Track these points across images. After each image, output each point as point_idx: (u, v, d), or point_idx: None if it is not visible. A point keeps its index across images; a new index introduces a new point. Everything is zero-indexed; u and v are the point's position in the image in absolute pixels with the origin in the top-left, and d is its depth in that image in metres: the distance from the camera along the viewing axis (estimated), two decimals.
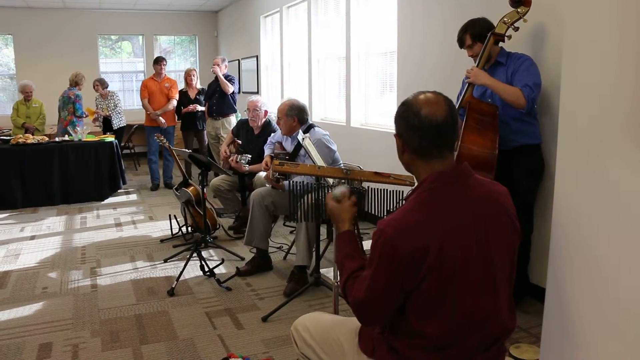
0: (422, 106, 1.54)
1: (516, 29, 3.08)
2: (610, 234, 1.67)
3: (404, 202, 1.61)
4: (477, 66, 3.13)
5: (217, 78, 7.05)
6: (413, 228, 1.47)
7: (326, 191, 3.06)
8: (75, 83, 7.45)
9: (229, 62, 9.71)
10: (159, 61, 7.33)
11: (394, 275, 1.48)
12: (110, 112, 7.93)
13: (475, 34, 3.18)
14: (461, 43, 3.28)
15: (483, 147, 2.97)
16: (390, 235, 1.47)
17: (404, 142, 1.59)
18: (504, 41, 3.11)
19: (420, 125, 1.53)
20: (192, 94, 7.33)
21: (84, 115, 7.54)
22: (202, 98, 7.33)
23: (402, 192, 2.84)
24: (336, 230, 1.88)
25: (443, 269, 1.46)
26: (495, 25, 3.11)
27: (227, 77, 7.05)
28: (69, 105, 7.38)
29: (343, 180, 2.49)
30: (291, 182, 3.42)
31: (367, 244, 4.22)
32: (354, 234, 1.83)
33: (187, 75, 7.38)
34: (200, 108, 7.27)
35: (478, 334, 1.54)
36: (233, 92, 7.01)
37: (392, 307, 1.54)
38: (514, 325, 1.63)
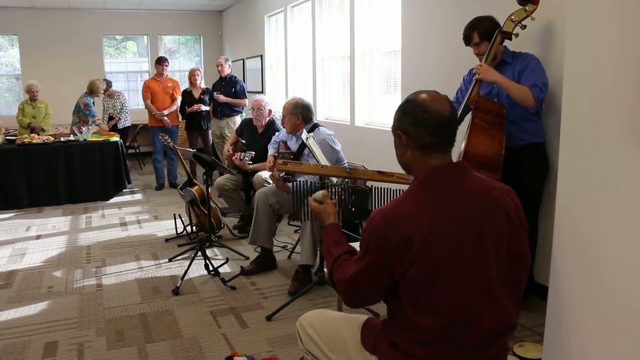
0: (429, 102, 1.57)
1: (524, 27, 3.06)
2: (612, 232, 1.67)
3: (399, 195, 1.65)
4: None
5: (221, 78, 7.08)
6: (401, 218, 1.51)
7: (330, 190, 3.06)
8: (90, 91, 7.39)
9: (233, 61, 9.77)
10: (161, 61, 7.35)
11: (381, 261, 1.53)
12: (116, 112, 7.96)
13: (483, 32, 3.15)
14: (467, 41, 3.25)
15: (490, 147, 2.96)
16: (379, 223, 1.53)
17: (411, 138, 1.59)
18: (511, 39, 3.09)
19: (430, 121, 1.56)
20: (196, 94, 7.34)
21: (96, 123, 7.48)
22: (206, 98, 7.34)
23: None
24: (323, 226, 2.00)
25: (429, 260, 1.48)
26: (503, 23, 3.09)
27: (232, 78, 7.07)
28: (80, 113, 7.36)
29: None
30: (295, 181, 3.42)
31: None
32: (339, 226, 1.94)
33: (192, 75, 7.39)
34: (204, 108, 7.29)
35: (477, 330, 1.54)
36: (243, 93, 7.05)
37: (376, 291, 1.60)
38: (514, 321, 1.63)
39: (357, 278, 1.60)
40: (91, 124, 7.32)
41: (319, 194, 2.11)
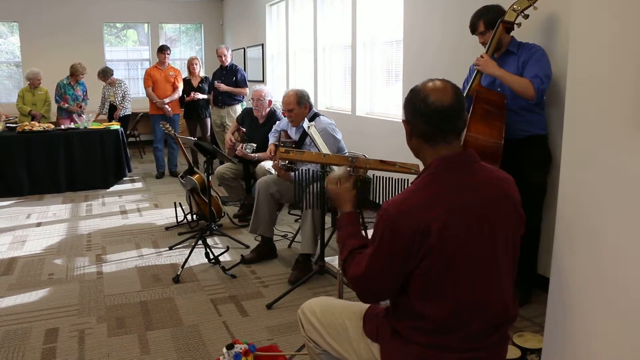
0: (429, 92, 1.57)
1: (526, 16, 3.05)
2: (615, 223, 1.67)
3: (410, 186, 1.64)
4: (487, 53, 3.11)
5: (222, 67, 7.06)
6: (415, 209, 1.50)
7: None
8: (70, 73, 7.48)
9: (234, 50, 9.74)
10: (163, 50, 7.34)
11: (395, 254, 1.51)
12: (118, 101, 7.93)
13: (489, 21, 3.14)
14: (473, 29, 3.24)
15: (489, 136, 2.96)
16: (392, 214, 1.51)
17: (412, 127, 1.63)
18: (513, 29, 3.08)
19: (426, 111, 1.56)
20: (195, 83, 7.34)
21: (64, 107, 7.49)
22: (205, 86, 7.33)
23: (407, 180, 2.83)
24: (339, 211, 1.93)
25: (444, 250, 1.49)
26: (505, 12, 3.07)
27: (233, 67, 7.05)
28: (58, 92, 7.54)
29: (348, 168, 2.43)
30: (297, 170, 3.42)
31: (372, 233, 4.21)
32: (356, 215, 1.87)
33: (190, 63, 7.39)
34: (200, 96, 7.28)
35: (481, 318, 1.56)
36: (244, 82, 7.03)
37: (390, 285, 1.57)
38: (516, 311, 1.65)
39: (371, 273, 1.57)
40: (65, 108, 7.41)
41: (337, 173, 1.97)
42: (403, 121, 1.67)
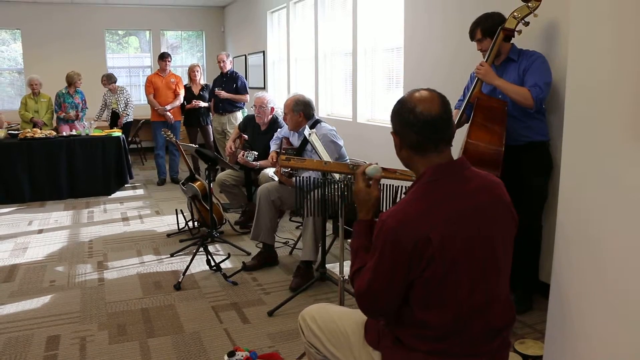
0: (416, 103, 1.58)
1: (526, 23, 3.06)
2: (614, 230, 1.67)
3: (404, 195, 1.64)
4: (487, 61, 3.12)
5: (222, 74, 7.08)
6: (415, 219, 1.50)
7: (333, 187, 3.06)
8: (67, 82, 7.55)
9: (236, 57, 9.77)
10: (164, 57, 7.37)
11: (397, 266, 1.51)
12: (121, 109, 7.95)
13: (486, 29, 3.15)
14: (472, 36, 3.26)
15: (490, 143, 2.96)
16: (392, 226, 1.50)
17: (401, 139, 1.63)
18: (513, 36, 3.09)
19: (415, 122, 1.57)
20: (195, 90, 7.37)
21: (62, 116, 7.56)
22: (205, 94, 7.36)
23: (407, 187, 2.83)
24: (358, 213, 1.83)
25: (445, 258, 1.49)
26: (505, 20, 3.09)
27: (234, 74, 7.07)
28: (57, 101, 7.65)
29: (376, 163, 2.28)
30: (298, 177, 3.43)
31: None
32: (372, 226, 1.76)
33: (191, 71, 7.42)
34: (202, 104, 7.31)
35: (481, 323, 1.56)
36: (244, 88, 7.05)
37: (395, 299, 1.56)
38: (513, 314, 1.66)
39: (374, 288, 1.55)
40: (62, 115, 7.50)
41: (374, 170, 1.84)
42: (392, 133, 1.66)
